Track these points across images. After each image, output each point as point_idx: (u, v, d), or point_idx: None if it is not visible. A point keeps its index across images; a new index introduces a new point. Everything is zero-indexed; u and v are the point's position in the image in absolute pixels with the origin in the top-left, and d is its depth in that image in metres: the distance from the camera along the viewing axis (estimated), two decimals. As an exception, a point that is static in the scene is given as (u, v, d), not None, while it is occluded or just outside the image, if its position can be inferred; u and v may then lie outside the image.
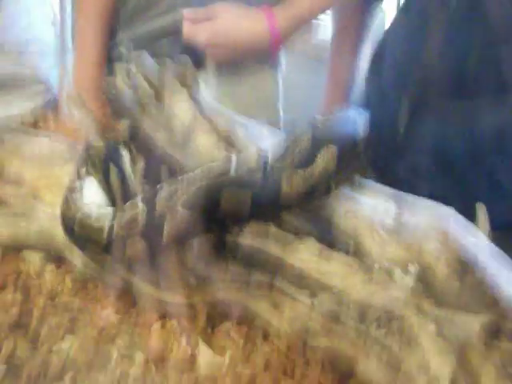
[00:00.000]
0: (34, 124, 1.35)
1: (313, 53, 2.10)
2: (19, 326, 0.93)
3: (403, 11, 1.38)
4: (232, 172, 0.84)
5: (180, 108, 0.92)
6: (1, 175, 1.11)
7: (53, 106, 1.56)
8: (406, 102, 1.26)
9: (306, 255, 0.88)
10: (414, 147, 1.28)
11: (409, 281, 0.82)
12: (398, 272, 0.84)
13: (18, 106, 1.49)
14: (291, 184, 0.83)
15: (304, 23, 1.44)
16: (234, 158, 0.86)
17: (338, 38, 1.59)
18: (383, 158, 1.29)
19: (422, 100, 1.25)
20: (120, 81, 0.92)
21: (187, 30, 1.30)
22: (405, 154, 1.30)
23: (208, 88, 0.97)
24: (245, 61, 1.38)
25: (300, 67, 1.88)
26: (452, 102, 1.24)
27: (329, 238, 0.89)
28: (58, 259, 1.05)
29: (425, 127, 1.27)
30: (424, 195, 0.91)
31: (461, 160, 1.24)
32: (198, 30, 1.29)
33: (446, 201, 0.90)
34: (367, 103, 1.42)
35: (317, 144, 0.85)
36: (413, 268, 0.82)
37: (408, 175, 1.30)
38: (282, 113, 1.59)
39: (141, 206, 0.85)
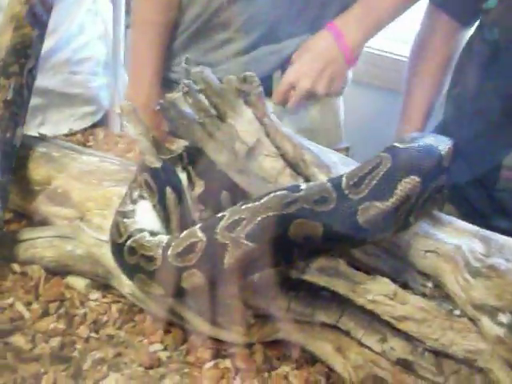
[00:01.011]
0: (84, 143, 1.30)
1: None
2: (60, 358, 0.86)
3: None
4: (301, 201, 0.76)
5: (244, 129, 0.84)
6: (47, 194, 1.05)
7: (103, 125, 1.53)
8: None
9: (378, 296, 0.80)
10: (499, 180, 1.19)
11: (498, 331, 0.73)
12: (485, 320, 0.74)
13: (68, 125, 1.46)
14: (367, 217, 0.75)
15: (374, 30, 1.39)
16: (302, 185, 0.78)
17: (421, 59, 1.50)
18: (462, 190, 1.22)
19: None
20: (180, 98, 0.86)
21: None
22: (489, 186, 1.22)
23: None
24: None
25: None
26: None
27: (404, 278, 0.81)
28: (104, 287, 0.99)
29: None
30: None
31: None
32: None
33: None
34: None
35: (397, 174, 0.76)
36: (505, 318, 0.72)
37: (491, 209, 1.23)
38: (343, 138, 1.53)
39: (200, 235, 0.77)
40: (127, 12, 1.67)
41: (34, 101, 1.14)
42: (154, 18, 1.41)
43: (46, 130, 1.23)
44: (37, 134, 1.15)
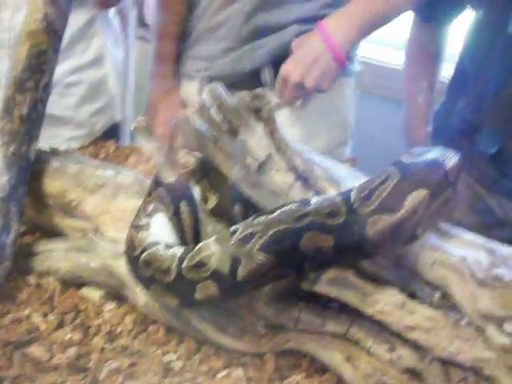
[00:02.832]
0: (95, 156, 1.32)
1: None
2: (77, 368, 0.88)
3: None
4: (312, 215, 0.78)
5: (255, 144, 0.87)
6: (62, 207, 1.07)
7: (114, 138, 1.56)
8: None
9: (387, 307, 0.82)
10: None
11: (504, 340, 0.75)
12: (491, 329, 0.76)
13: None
14: (376, 229, 0.77)
15: (362, 33, 1.44)
16: (313, 199, 0.81)
17: (413, 65, 1.61)
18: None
19: None
20: (194, 113, 0.88)
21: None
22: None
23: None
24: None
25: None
26: None
27: (412, 288, 0.83)
28: (118, 298, 1.01)
29: None
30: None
31: None
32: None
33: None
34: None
35: (405, 187, 0.79)
36: (510, 327, 0.74)
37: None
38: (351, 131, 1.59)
39: (214, 247, 0.80)
40: (141, 24, 1.71)
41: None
42: (170, 28, 1.56)
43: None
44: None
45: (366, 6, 1.41)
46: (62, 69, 1.53)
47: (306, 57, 1.38)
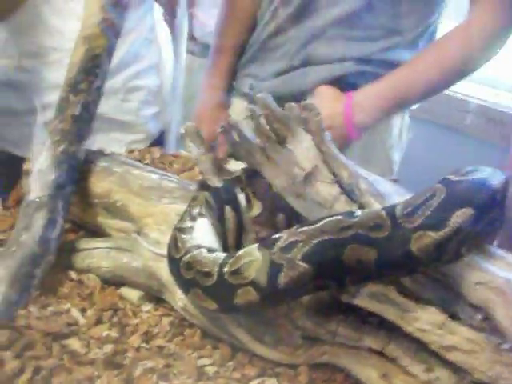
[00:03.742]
0: (140, 160, 1.34)
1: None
2: (113, 363, 0.89)
3: None
4: (356, 227, 0.78)
5: (302, 155, 0.88)
6: (107, 206, 1.09)
7: (160, 145, 1.58)
8: None
9: (427, 325, 0.81)
10: None
11: (546, 367, 0.74)
12: (534, 356, 0.75)
13: (137, 145, 1.52)
14: (420, 246, 0.77)
15: (389, 113, 1.45)
16: (358, 212, 0.81)
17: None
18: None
19: None
20: (243, 122, 0.89)
21: None
22: None
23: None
24: None
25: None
26: None
27: (453, 309, 0.82)
28: (156, 300, 1.02)
29: None
30: None
31: None
32: None
33: None
34: None
35: (451, 205, 0.78)
36: (554, 354, 0.73)
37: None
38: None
39: (257, 254, 0.80)
40: (189, 37, 1.74)
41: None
42: (231, 42, 1.60)
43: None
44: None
45: (402, 82, 1.40)
46: (126, 74, 1.57)
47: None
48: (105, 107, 1.46)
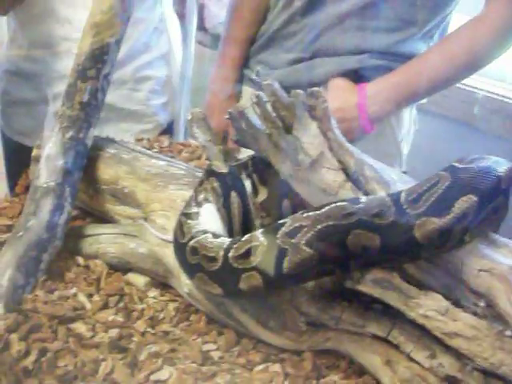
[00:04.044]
0: (149, 149, 1.34)
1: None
2: (118, 347, 0.90)
3: None
4: (360, 213, 0.79)
5: (308, 142, 0.88)
6: (114, 193, 1.10)
7: (169, 134, 1.59)
8: None
9: (430, 312, 0.81)
10: None
11: (550, 354, 0.74)
12: (537, 343, 0.75)
13: (146, 134, 1.52)
14: (423, 232, 0.77)
15: (402, 105, 1.44)
16: (362, 199, 0.81)
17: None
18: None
19: None
20: (250, 109, 0.90)
21: None
22: None
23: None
24: None
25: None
26: None
27: (456, 295, 0.82)
28: (162, 285, 1.02)
29: None
30: None
31: None
32: None
33: None
34: None
35: (455, 192, 0.78)
36: (557, 341, 0.73)
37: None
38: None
39: (261, 239, 0.81)
40: (200, 28, 1.74)
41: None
42: (240, 33, 1.58)
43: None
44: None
45: (415, 75, 1.39)
46: (135, 64, 1.58)
47: (335, 112, 1.39)
48: (114, 97, 1.48)
